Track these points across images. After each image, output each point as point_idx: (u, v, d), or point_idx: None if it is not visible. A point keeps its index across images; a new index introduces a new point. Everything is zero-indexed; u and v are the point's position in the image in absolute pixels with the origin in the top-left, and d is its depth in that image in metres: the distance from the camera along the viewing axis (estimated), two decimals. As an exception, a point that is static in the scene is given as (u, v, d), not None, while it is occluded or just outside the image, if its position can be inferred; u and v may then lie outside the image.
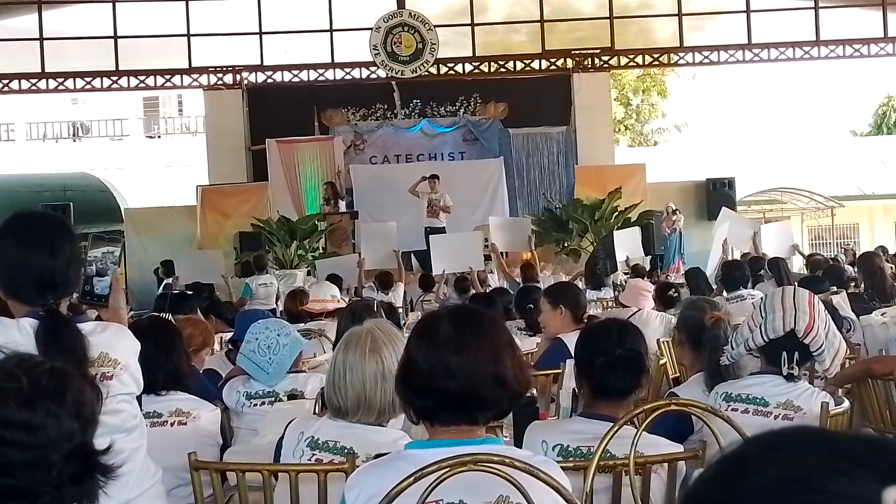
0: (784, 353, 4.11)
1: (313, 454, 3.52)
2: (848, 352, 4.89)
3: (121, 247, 3.64)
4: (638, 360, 3.73)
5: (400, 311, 11.92)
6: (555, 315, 6.40)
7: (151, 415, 4.34)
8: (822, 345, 4.10)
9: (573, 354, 4.04)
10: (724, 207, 18.14)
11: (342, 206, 20.47)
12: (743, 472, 1.06)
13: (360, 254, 16.74)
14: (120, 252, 3.42)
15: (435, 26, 22.16)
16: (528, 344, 7.22)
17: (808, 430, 1.14)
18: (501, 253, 16.51)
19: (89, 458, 1.92)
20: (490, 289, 12.35)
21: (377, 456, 2.91)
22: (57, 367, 1.99)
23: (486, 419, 2.70)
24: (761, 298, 4.40)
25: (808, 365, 4.32)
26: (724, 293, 9.83)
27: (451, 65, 23.07)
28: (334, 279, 13.39)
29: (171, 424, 4.46)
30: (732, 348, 4.28)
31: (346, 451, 3.46)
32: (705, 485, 1.09)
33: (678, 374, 6.38)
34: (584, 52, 23.12)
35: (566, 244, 20.85)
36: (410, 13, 22.29)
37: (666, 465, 3.53)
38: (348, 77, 22.95)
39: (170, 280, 17.70)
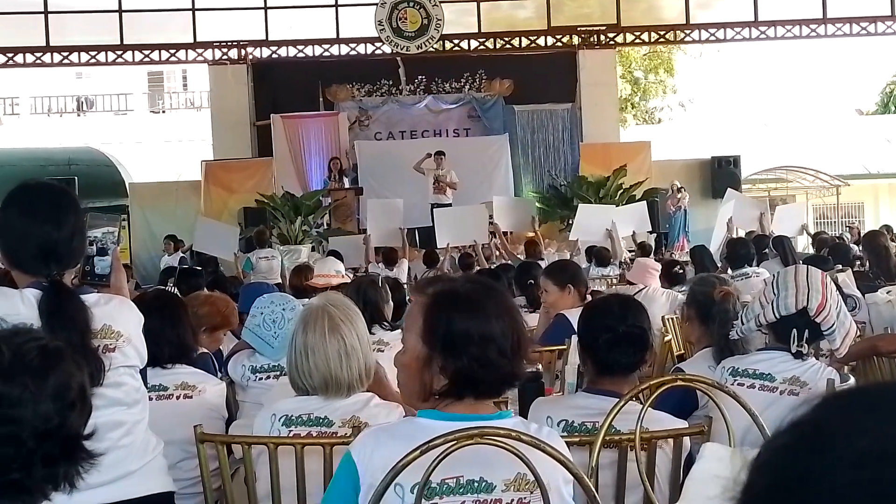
0: (794, 330, 4.10)
1: (290, 430, 3.53)
2: (858, 333, 4.89)
3: (118, 227, 3.61)
4: (642, 337, 3.72)
5: (405, 286, 11.93)
6: (563, 295, 6.38)
7: (157, 388, 4.34)
8: (833, 324, 4.10)
9: (576, 331, 4.03)
10: (729, 188, 18.11)
11: (346, 182, 20.47)
12: (825, 440, 0.94)
13: (366, 230, 16.77)
14: (118, 231, 3.37)
15: (440, 2, 22.05)
16: (530, 320, 7.22)
17: (891, 389, 1.03)
18: (504, 232, 16.55)
19: (67, 443, 1.88)
20: (495, 265, 12.34)
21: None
22: (51, 346, 1.96)
23: (506, 389, 2.74)
24: (774, 275, 4.39)
25: (815, 343, 4.32)
26: (730, 271, 9.81)
27: (456, 41, 23.00)
28: (336, 255, 13.43)
29: (177, 398, 4.46)
30: (743, 323, 4.27)
31: (321, 420, 3.51)
32: (781, 453, 0.98)
33: (683, 351, 6.39)
34: (591, 28, 23.03)
35: (570, 222, 20.82)
36: (416, -12, 22.21)
37: (671, 440, 3.53)
38: (353, 53, 22.90)
39: (178, 253, 17.75)
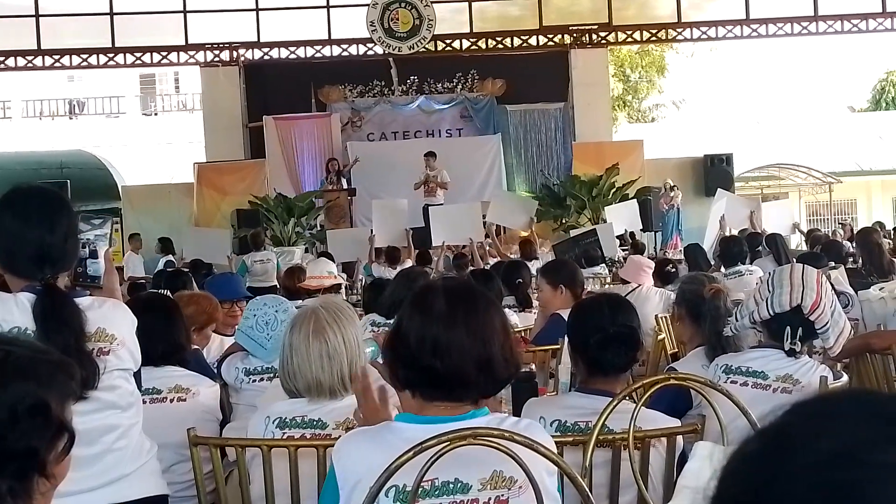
0: (788, 328, 4.11)
1: (284, 433, 3.53)
2: (852, 332, 4.90)
3: (110, 227, 3.62)
4: (632, 336, 3.72)
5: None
6: (555, 295, 6.37)
7: (150, 391, 4.33)
8: (826, 323, 4.11)
9: (566, 332, 4.03)
10: (719, 189, 18.15)
11: (344, 183, 20.46)
12: (787, 446, 0.98)
13: (371, 230, 16.81)
14: (110, 233, 3.40)
15: (432, 2, 22.03)
16: (517, 320, 7.21)
17: (853, 394, 1.07)
18: (496, 232, 16.58)
19: (8, 457, 1.86)
20: (490, 265, 12.32)
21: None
22: (12, 358, 1.93)
23: (469, 399, 2.66)
24: (769, 273, 4.41)
25: (808, 341, 4.33)
26: (723, 269, 9.82)
27: (448, 41, 22.97)
28: (328, 256, 13.45)
29: (171, 401, 4.46)
30: (737, 320, 4.28)
31: (315, 422, 3.50)
32: (747, 462, 1.01)
33: (677, 350, 6.39)
34: (582, 27, 23.03)
35: (564, 221, 20.87)
36: (407, -11, 22.19)
37: (665, 439, 3.53)
38: (345, 54, 22.87)
39: (169, 257, 17.72)
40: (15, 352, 1.92)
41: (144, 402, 3.70)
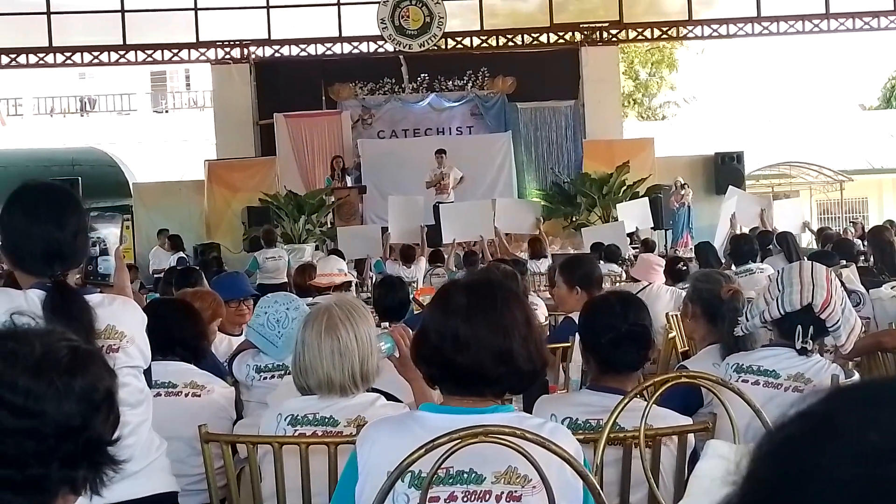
0: (799, 326, 4.09)
1: (296, 430, 3.53)
2: (863, 329, 4.87)
3: (121, 226, 3.65)
4: (644, 335, 3.71)
5: (415, 283, 12.03)
6: (570, 295, 6.31)
7: (166, 385, 4.35)
8: (837, 320, 4.09)
9: (578, 331, 4.02)
10: (730, 186, 18.11)
11: (348, 181, 20.46)
12: (830, 432, 0.92)
13: (382, 227, 16.81)
14: (121, 231, 3.40)
15: (443, -1, 22.07)
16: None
17: None
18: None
19: (89, 446, 1.88)
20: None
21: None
22: (83, 348, 1.96)
23: (493, 394, 2.69)
24: (778, 271, 4.39)
25: (819, 340, 4.31)
26: (733, 267, 9.81)
27: (458, 38, 23.00)
28: (338, 254, 13.46)
29: (186, 395, 4.47)
30: (747, 320, 4.26)
31: (326, 420, 3.50)
32: (786, 442, 0.96)
33: (687, 348, 6.37)
34: (593, 25, 23.01)
35: (574, 218, 20.86)
36: (418, -14, 22.19)
37: (676, 437, 3.52)
38: (356, 51, 22.89)
39: (181, 254, 17.76)
40: (79, 344, 1.94)
41: (159, 394, 3.70)
